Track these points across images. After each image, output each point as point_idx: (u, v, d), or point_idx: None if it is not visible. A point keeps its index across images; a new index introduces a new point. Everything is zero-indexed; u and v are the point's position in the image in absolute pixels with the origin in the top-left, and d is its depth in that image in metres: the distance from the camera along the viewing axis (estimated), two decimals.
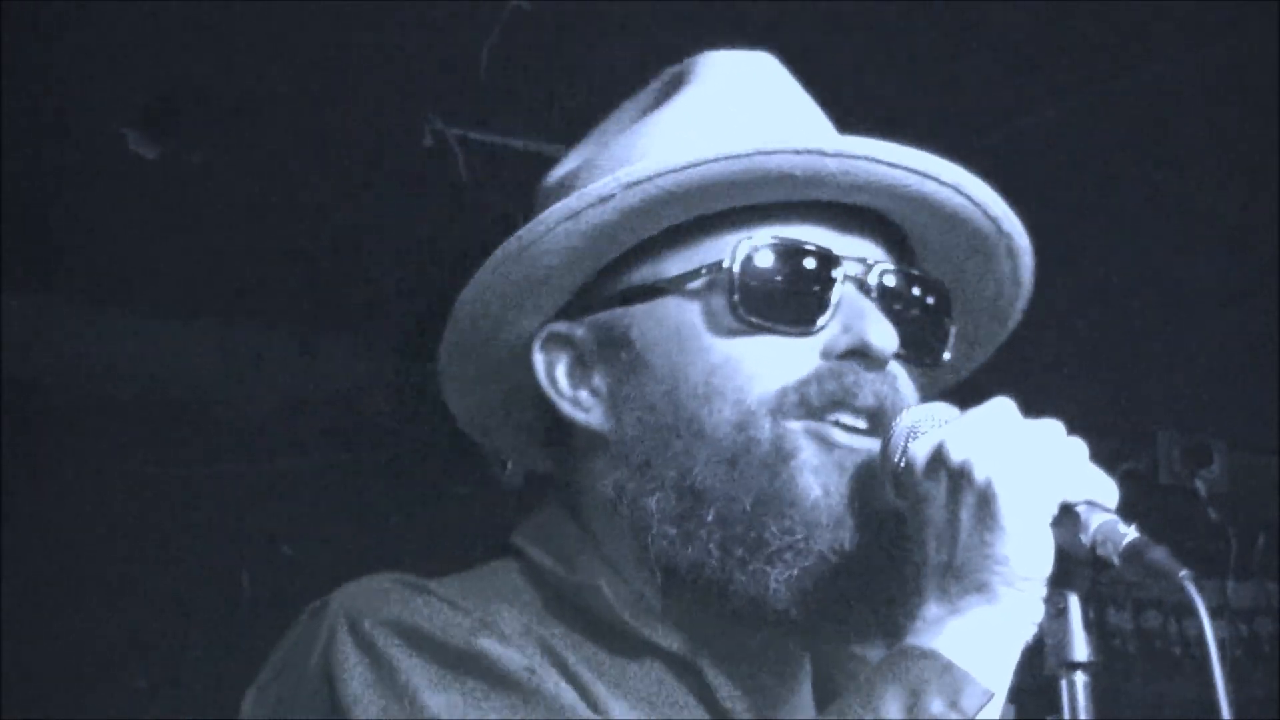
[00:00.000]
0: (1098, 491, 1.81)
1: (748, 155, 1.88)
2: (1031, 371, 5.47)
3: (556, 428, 2.02)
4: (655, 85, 2.11)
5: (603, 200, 1.89)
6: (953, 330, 2.02)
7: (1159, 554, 1.74)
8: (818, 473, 1.89)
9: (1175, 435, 5.78)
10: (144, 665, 4.70)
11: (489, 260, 1.95)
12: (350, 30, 3.75)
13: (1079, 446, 1.83)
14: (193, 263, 4.56)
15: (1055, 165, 4.33)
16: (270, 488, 4.89)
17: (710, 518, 1.88)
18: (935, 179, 1.94)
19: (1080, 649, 1.80)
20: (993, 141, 4.16)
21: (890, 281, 1.96)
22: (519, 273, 1.94)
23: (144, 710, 4.65)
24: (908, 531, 1.86)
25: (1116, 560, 1.77)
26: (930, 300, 1.99)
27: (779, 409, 1.90)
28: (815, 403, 1.90)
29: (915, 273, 1.99)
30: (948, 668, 1.76)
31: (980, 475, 1.79)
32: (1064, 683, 1.81)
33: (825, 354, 1.92)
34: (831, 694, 2.01)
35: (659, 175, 1.88)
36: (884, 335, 1.91)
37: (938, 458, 1.83)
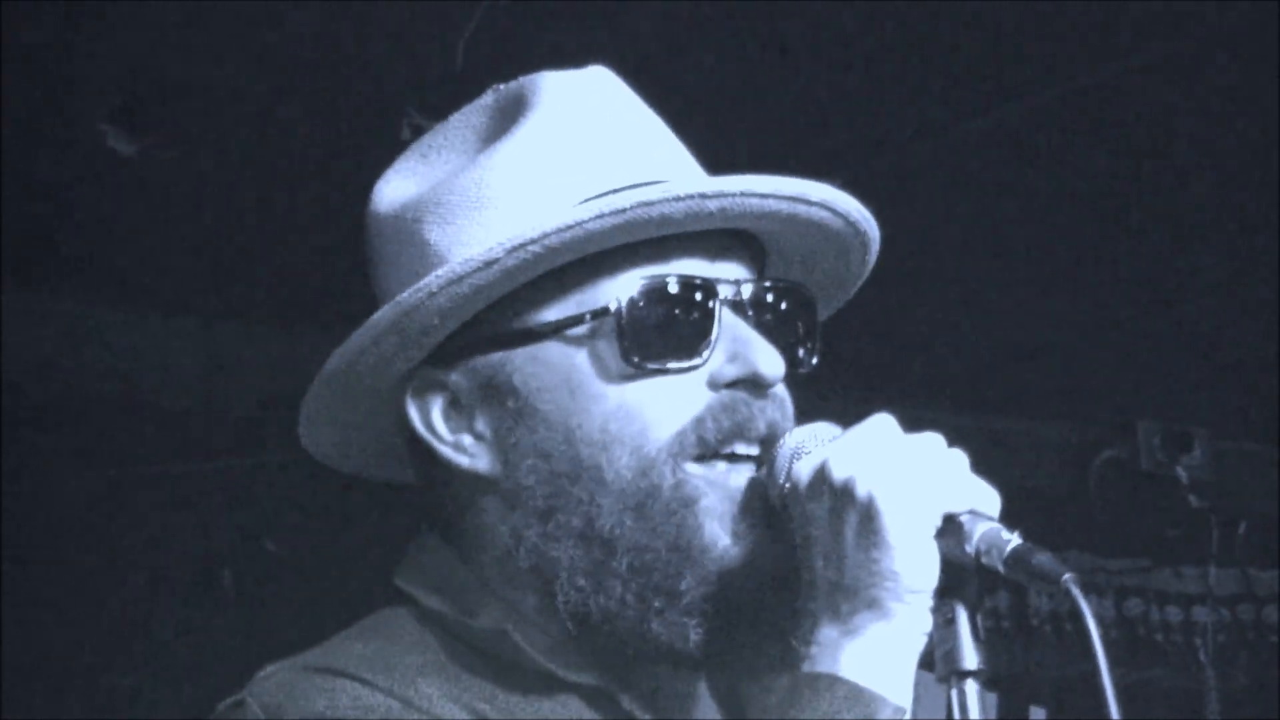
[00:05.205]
0: (980, 501, 1.83)
1: (630, 209, 1.89)
2: (1014, 361, 5.49)
3: (432, 469, 2.01)
4: (489, 104, 2.09)
5: (487, 265, 1.89)
6: (819, 335, 2.04)
7: (1042, 559, 1.77)
8: (723, 520, 1.91)
9: (1156, 423, 5.80)
10: (127, 661, 4.69)
11: (367, 324, 1.95)
12: (328, 24, 3.75)
13: (959, 458, 1.85)
14: (172, 260, 4.55)
15: (1037, 157, 4.34)
16: (253, 483, 4.88)
17: (623, 568, 1.89)
18: (805, 200, 1.98)
19: (970, 657, 1.83)
20: (977, 129, 4.17)
21: (765, 298, 1.99)
22: (396, 332, 1.94)
23: (128, 707, 4.64)
24: (798, 553, 1.88)
25: (1001, 567, 1.79)
26: (800, 309, 2.02)
27: (679, 452, 1.91)
28: (712, 441, 1.92)
29: (783, 284, 2.02)
30: (858, 692, 1.79)
31: (862, 491, 1.82)
32: (953, 691, 1.83)
33: (713, 384, 1.93)
34: (735, 696, 2.03)
35: (543, 237, 1.89)
36: (771, 362, 1.93)
37: (820, 477, 1.85)
